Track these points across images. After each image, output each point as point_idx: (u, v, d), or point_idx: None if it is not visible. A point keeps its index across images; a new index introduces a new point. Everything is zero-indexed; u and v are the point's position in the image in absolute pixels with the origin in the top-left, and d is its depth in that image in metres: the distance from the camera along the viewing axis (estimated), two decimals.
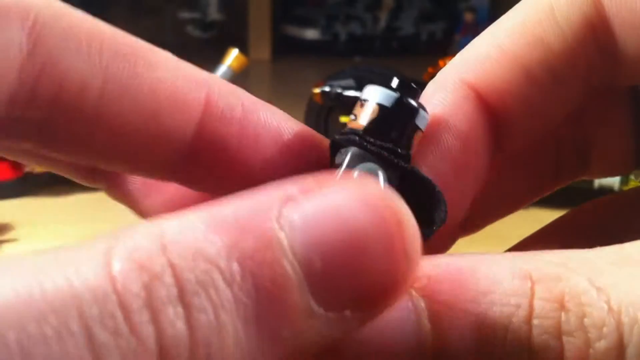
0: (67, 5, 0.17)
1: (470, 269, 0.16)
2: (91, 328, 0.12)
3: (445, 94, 0.21)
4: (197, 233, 0.13)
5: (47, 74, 0.17)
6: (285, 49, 1.43)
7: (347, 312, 0.14)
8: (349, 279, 0.13)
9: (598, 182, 0.62)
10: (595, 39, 0.21)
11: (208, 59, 0.83)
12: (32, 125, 0.17)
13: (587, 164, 0.25)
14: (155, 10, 1.46)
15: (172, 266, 0.13)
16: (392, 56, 1.40)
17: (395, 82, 0.19)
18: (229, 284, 0.13)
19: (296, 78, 1.29)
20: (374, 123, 0.19)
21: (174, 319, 0.12)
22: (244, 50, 0.77)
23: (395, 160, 0.18)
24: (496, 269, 0.16)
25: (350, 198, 0.14)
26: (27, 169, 0.65)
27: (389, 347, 0.16)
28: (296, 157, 0.20)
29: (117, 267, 0.12)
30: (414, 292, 0.16)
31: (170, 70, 0.18)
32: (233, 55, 0.71)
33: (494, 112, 0.21)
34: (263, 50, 1.39)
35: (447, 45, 1.33)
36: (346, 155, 0.19)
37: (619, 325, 0.15)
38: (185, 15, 1.44)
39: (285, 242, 0.13)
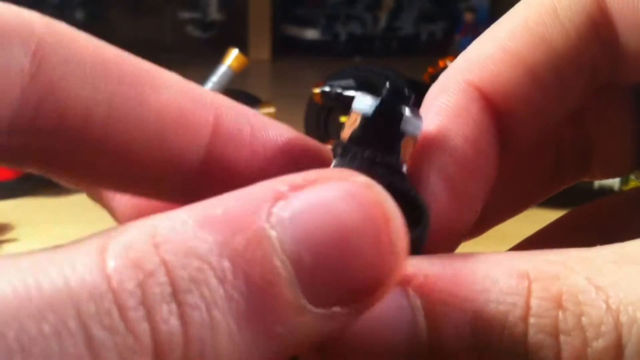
0: (72, 28, 0.17)
1: (467, 268, 0.16)
2: (88, 326, 0.12)
3: (450, 96, 0.21)
4: (188, 231, 0.13)
5: (50, 99, 0.16)
6: (285, 49, 1.43)
7: (337, 308, 0.14)
8: (338, 274, 0.14)
9: (598, 182, 0.62)
10: (599, 37, 0.21)
11: (208, 59, 0.83)
12: (34, 150, 0.17)
13: (587, 166, 0.25)
14: (155, 10, 1.46)
15: (165, 263, 0.13)
16: (392, 56, 1.40)
17: (386, 89, 0.19)
18: (221, 281, 0.13)
19: (296, 78, 1.29)
20: (356, 132, 0.19)
21: (168, 316, 0.12)
22: (244, 50, 0.77)
23: (375, 169, 0.18)
24: (493, 267, 0.16)
25: (337, 194, 0.14)
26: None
27: (386, 345, 0.16)
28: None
29: (111, 264, 0.13)
30: (410, 291, 0.16)
31: (176, 92, 0.18)
32: (233, 55, 0.71)
33: (499, 113, 0.21)
34: (263, 50, 1.39)
35: (447, 45, 1.33)
36: (331, 166, 0.19)
37: (617, 324, 0.15)
38: (185, 15, 1.44)
39: (275, 239, 0.13)
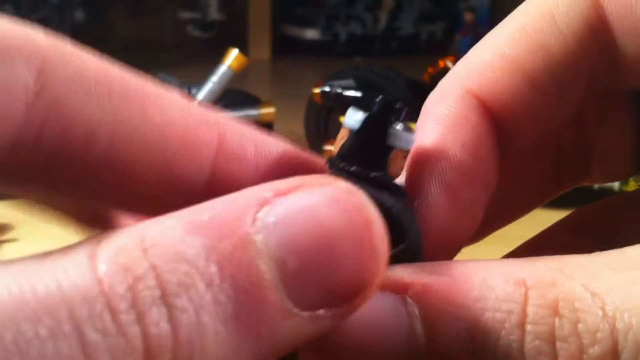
0: (76, 47, 0.17)
1: (464, 276, 0.16)
2: (82, 328, 0.12)
3: (448, 104, 0.21)
4: (176, 236, 0.13)
5: (54, 116, 0.16)
6: (285, 49, 1.43)
7: (322, 311, 0.14)
8: (322, 278, 0.14)
9: None
10: (597, 43, 0.21)
11: (208, 59, 0.83)
12: (37, 169, 0.17)
13: (587, 170, 0.25)
14: (155, 10, 1.46)
15: (154, 268, 0.13)
16: (392, 56, 1.40)
17: (375, 103, 0.19)
18: (209, 284, 0.13)
19: (296, 78, 1.29)
20: (344, 147, 0.19)
21: (158, 319, 0.13)
22: (244, 50, 0.77)
23: (360, 184, 0.18)
24: (490, 275, 0.16)
25: (320, 199, 0.14)
26: None
27: (384, 351, 0.16)
28: None
29: (102, 268, 0.13)
30: (408, 298, 0.16)
31: (180, 111, 0.18)
32: (233, 55, 0.72)
33: (498, 120, 0.21)
34: (263, 50, 1.39)
35: (447, 45, 1.33)
36: None
37: (613, 330, 0.15)
38: (185, 15, 1.44)
39: (260, 244, 0.14)
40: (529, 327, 0.15)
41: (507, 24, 0.21)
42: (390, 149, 0.19)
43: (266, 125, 0.76)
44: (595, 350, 0.15)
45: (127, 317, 0.13)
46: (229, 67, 0.71)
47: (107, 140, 0.17)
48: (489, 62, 0.21)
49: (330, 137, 0.75)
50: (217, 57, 0.72)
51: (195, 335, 0.13)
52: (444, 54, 0.83)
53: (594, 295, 0.15)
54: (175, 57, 1.33)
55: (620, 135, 0.25)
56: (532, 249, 0.25)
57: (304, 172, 0.19)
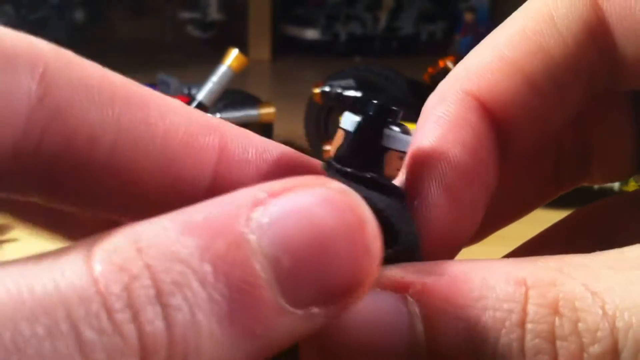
0: (78, 56, 0.17)
1: (465, 275, 0.16)
2: (79, 327, 0.12)
3: (448, 105, 0.21)
4: (171, 236, 0.14)
5: (57, 123, 0.16)
6: (285, 49, 1.43)
7: (315, 309, 0.14)
8: (315, 277, 0.14)
9: None
10: (596, 44, 0.21)
11: (208, 59, 0.83)
12: (38, 176, 0.17)
13: (587, 170, 0.25)
14: (155, 10, 1.46)
15: (149, 267, 0.13)
16: (392, 56, 1.40)
17: (370, 106, 0.19)
18: (203, 283, 0.13)
19: (296, 78, 1.29)
20: (339, 149, 0.19)
21: (153, 318, 0.13)
22: (244, 50, 0.77)
23: (354, 187, 0.19)
24: (490, 275, 0.16)
25: (313, 199, 0.15)
26: None
27: (385, 350, 0.16)
28: None
29: (98, 268, 0.13)
30: (409, 297, 0.16)
31: (182, 117, 0.18)
32: (233, 55, 0.72)
33: (497, 121, 0.21)
34: (263, 50, 1.39)
35: (447, 45, 1.33)
36: None
37: (613, 329, 0.15)
38: (185, 15, 1.44)
39: (254, 243, 0.14)
40: (529, 326, 0.16)
41: (507, 26, 0.21)
42: (385, 150, 0.19)
43: (266, 125, 0.76)
44: (595, 349, 0.15)
45: (123, 316, 0.13)
46: (229, 67, 0.71)
47: (110, 147, 0.17)
48: (488, 64, 0.21)
49: (330, 137, 0.75)
50: (217, 57, 0.72)
51: (190, 333, 0.13)
52: (444, 54, 0.83)
53: (594, 294, 0.15)
54: (175, 57, 1.33)
55: (620, 136, 0.25)
56: (532, 249, 0.26)
57: (302, 173, 0.19)
